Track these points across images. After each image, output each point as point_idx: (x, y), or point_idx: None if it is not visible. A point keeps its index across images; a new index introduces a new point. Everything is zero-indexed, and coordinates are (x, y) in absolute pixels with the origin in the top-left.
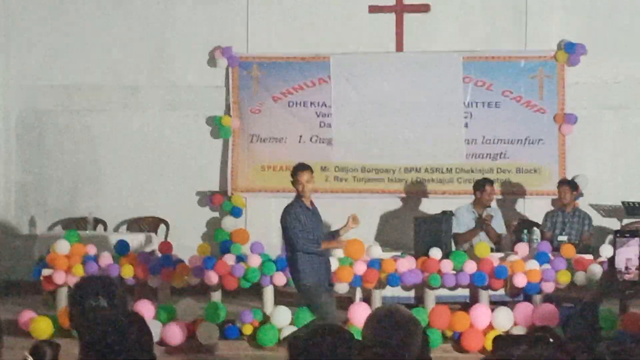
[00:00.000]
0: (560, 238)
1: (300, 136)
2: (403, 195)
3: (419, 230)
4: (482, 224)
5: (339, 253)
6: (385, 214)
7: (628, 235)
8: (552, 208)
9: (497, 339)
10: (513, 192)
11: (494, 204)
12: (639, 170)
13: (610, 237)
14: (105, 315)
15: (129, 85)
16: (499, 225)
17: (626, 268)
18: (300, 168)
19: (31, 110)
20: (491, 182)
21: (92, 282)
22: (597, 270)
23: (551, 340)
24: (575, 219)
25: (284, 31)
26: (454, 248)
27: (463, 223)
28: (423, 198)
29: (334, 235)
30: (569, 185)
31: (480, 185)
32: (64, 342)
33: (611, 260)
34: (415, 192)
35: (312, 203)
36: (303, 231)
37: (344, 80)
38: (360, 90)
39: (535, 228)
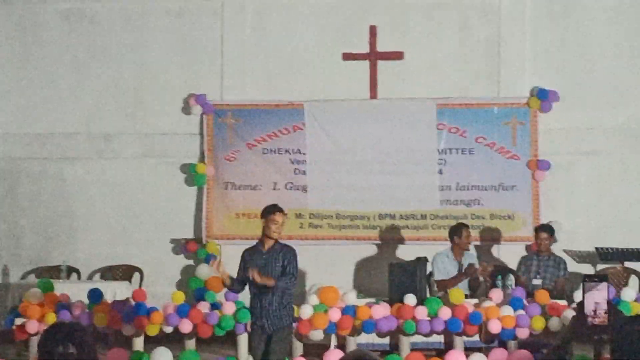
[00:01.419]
0: (534, 282)
1: (275, 183)
2: (378, 241)
3: (394, 277)
4: (471, 274)
5: (313, 300)
6: (360, 260)
7: (597, 279)
8: (527, 253)
9: None
10: (487, 238)
11: (472, 249)
12: (613, 216)
13: None
14: None
15: (103, 133)
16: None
17: (595, 312)
18: (278, 208)
19: (4, 158)
20: (467, 227)
21: (62, 328)
22: (571, 316)
23: None
24: (551, 263)
25: (258, 78)
26: (428, 294)
27: (442, 270)
28: (398, 244)
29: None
30: (547, 231)
31: (457, 230)
32: None
33: (580, 304)
34: (390, 238)
35: (273, 247)
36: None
37: (318, 127)
38: (334, 137)
39: (509, 274)
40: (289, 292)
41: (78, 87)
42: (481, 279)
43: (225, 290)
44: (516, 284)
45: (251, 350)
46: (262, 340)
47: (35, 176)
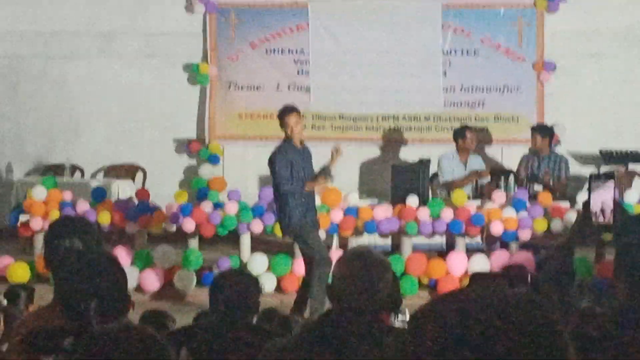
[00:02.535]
0: (536, 187)
1: (278, 84)
2: (381, 143)
3: (396, 178)
4: (479, 177)
5: (316, 201)
6: (363, 162)
7: (604, 178)
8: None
9: (475, 276)
10: (490, 139)
11: (477, 155)
12: (617, 118)
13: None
14: (79, 254)
15: (105, 32)
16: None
17: (601, 211)
18: (288, 111)
19: (6, 57)
20: (471, 129)
21: (67, 223)
22: (574, 218)
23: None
24: (552, 164)
25: None
26: (430, 196)
27: (449, 170)
28: (401, 146)
29: (324, 171)
30: (539, 132)
31: (461, 133)
32: (41, 287)
33: (586, 203)
34: (393, 140)
35: (302, 144)
36: (294, 171)
37: (322, 27)
38: (338, 38)
39: (511, 175)
40: None
41: None
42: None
43: (228, 190)
44: (517, 185)
45: (315, 241)
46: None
47: (37, 75)
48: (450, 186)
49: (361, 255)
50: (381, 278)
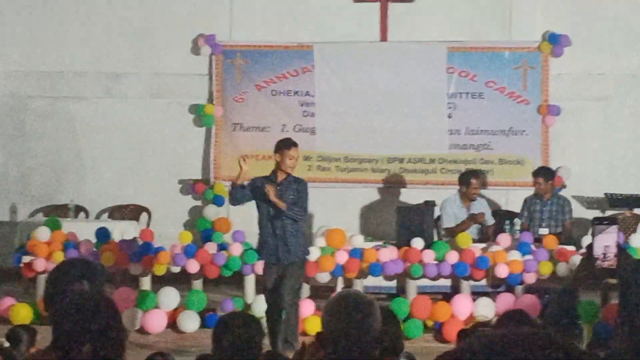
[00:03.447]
0: (541, 231)
1: (284, 125)
2: (386, 185)
3: (402, 220)
4: (476, 222)
5: (320, 242)
6: (368, 204)
7: (607, 222)
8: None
9: (461, 332)
10: (495, 183)
11: (483, 199)
12: (622, 161)
13: None
14: (75, 297)
15: (111, 72)
16: (488, 216)
17: (604, 255)
18: (294, 143)
19: (12, 96)
20: (477, 175)
21: (75, 265)
22: (579, 261)
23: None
24: (555, 207)
25: (267, 19)
26: (435, 238)
27: (451, 215)
28: (406, 188)
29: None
30: (541, 175)
31: (466, 179)
32: (44, 329)
33: (589, 247)
34: (398, 182)
35: (286, 179)
36: (258, 202)
37: (327, 69)
38: (344, 80)
39: (517, 219)
40: (299, 223)
41: (87, 25)
42: (492, 221)
43: (232, 231)
44: (521, 229)
45: (263, 278)
46: (274, 273)
47: (43, 114)
48: (450, 232)
49: (345, 298)
50: (367, 317)
